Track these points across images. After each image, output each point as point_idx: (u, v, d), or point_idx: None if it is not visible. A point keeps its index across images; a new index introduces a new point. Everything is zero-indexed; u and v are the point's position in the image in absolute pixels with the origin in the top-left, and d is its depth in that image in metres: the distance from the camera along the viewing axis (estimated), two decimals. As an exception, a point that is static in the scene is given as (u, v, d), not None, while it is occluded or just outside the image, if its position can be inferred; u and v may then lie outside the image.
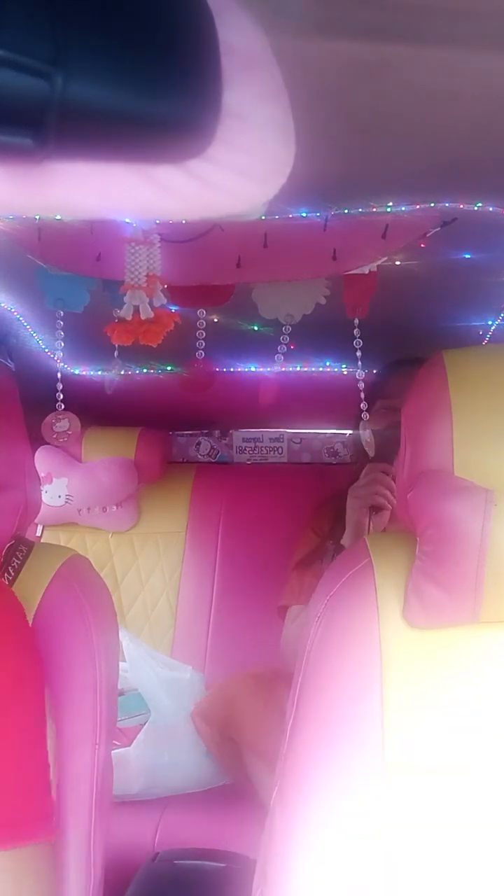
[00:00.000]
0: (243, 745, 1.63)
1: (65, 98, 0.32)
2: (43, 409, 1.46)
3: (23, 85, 0.32)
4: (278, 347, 1.36)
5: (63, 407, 1.44)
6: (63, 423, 1.52)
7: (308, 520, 1.70)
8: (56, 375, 1.39)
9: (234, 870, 1.14)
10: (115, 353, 1.37)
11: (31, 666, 0.81)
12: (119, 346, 1.34)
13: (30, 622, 0.89)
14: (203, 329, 1.37)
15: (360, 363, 1.34)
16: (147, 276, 1.17)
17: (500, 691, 0.82)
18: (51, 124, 0.33)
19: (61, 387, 1.41)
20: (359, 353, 1.32)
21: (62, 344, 1.38)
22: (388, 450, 1.43)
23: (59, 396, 1.40)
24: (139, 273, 1.17)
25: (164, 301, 1.22)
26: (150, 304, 1.20)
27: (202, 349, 1.37)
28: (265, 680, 1.67)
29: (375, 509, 1.43)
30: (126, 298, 1.20)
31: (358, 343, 1.31)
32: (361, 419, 1.42)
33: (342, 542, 1.47)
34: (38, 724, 0.79)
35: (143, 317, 1.21)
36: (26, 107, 0.32)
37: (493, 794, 0.80)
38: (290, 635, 1.55)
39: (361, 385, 1.37)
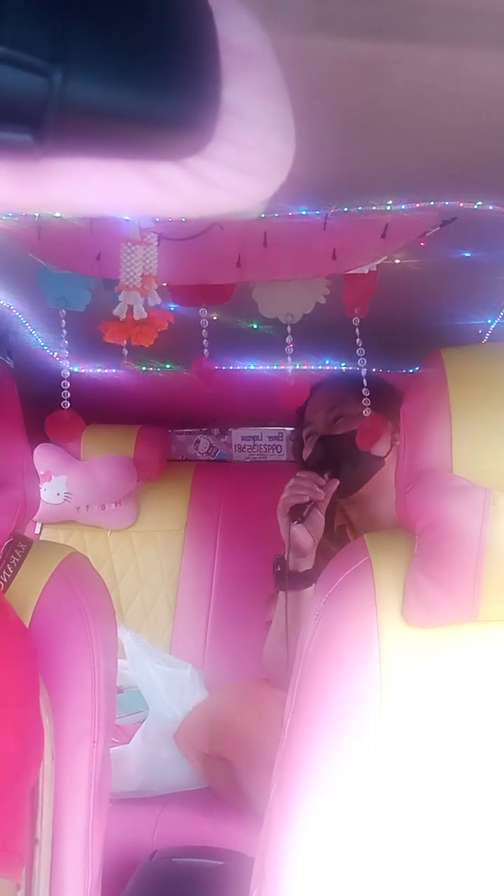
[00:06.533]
0: (234, 759, 1.61)
1: (64, 95, 0.32)
2: (42, 406, 1.46)
3: (22, 82, 0.32)
4: (285, 349, 1.36)
5: (69, 405, 1.44)
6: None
7: None
8: (55, 373, 1.39)
9: (231, 868, 1.14)
10: (125, 352, 1.37)
11: (26, 677, 0.80)
12: (113, 343, 1.33)
13: (28, 620, 0.89)
14: (206, 328, 1.37)
15: (361, 360, 1.34)
16: (142, 275, 1.17)
17: (498, 690, 0.82)
18: (50, 121, 0.33)
19: (68, 384, 1.42)
20: (360, 351, 1.32)
21: (66, 342, 1.38)
22: (323, 468, 1.53)
23: (65, 395, 1.41)
24: (134, 273, 1.17)
25: (159, 301, 1.22)
26: (145, 303, 1.19)
27: (206, 348, 1.38)
28: (253, 690, 1.66)
29: (296, 514, 1.43)
30: (120, 297, 1.19)
31: (359, 342, 1.32)
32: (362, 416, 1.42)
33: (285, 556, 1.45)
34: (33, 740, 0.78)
35: (136, 317, 1.20)
36: (25, 104, 0.32)
37: (491, 793, 0.80)
38: (269, 648, 1.55)
39: (364, 381, 1.37)
